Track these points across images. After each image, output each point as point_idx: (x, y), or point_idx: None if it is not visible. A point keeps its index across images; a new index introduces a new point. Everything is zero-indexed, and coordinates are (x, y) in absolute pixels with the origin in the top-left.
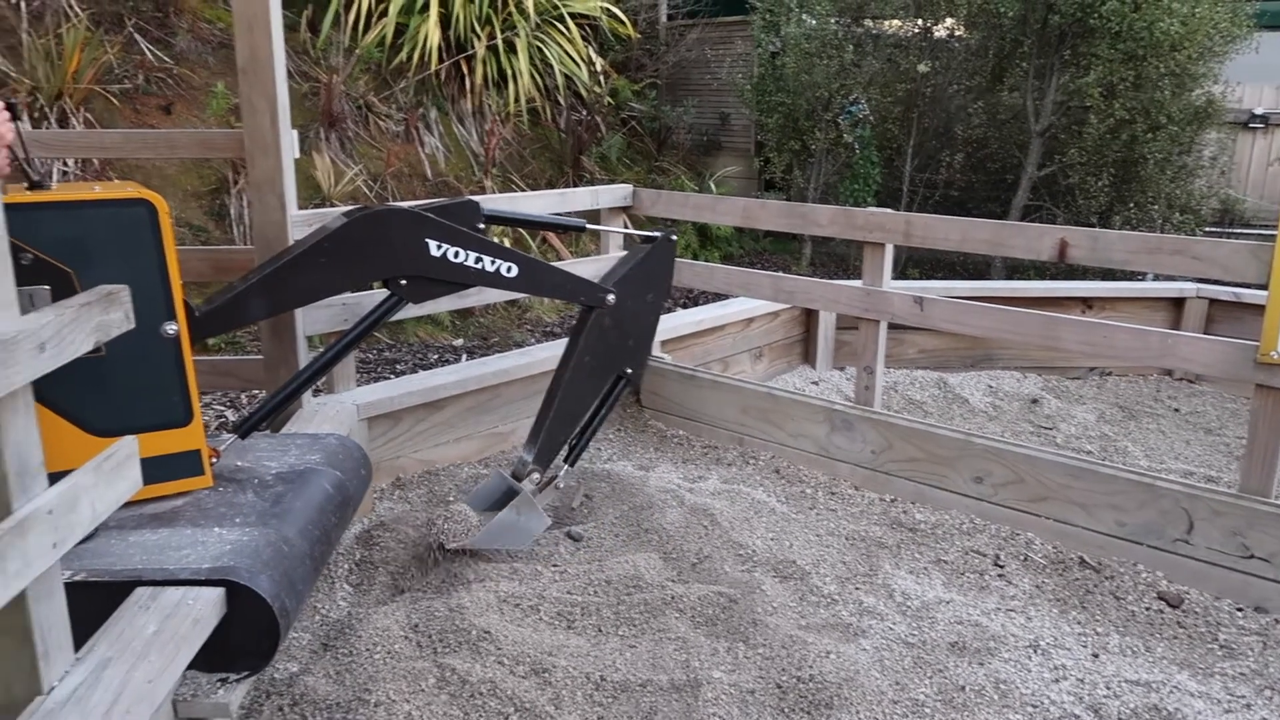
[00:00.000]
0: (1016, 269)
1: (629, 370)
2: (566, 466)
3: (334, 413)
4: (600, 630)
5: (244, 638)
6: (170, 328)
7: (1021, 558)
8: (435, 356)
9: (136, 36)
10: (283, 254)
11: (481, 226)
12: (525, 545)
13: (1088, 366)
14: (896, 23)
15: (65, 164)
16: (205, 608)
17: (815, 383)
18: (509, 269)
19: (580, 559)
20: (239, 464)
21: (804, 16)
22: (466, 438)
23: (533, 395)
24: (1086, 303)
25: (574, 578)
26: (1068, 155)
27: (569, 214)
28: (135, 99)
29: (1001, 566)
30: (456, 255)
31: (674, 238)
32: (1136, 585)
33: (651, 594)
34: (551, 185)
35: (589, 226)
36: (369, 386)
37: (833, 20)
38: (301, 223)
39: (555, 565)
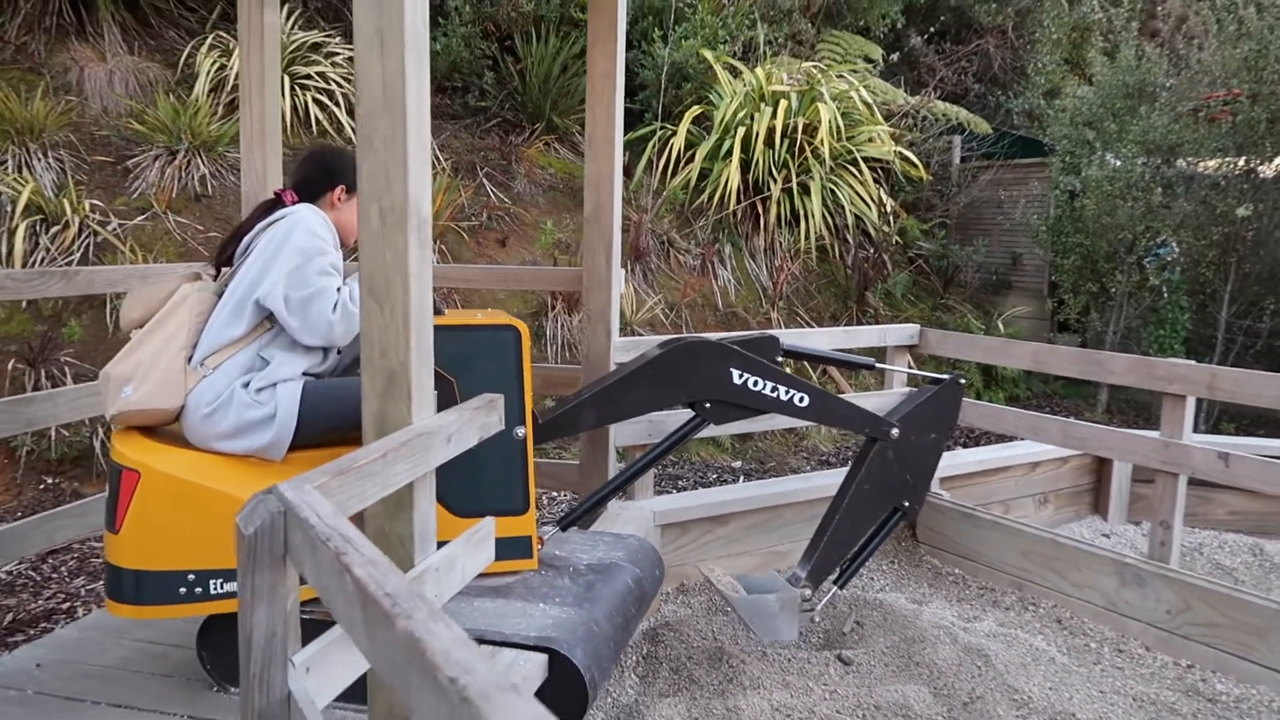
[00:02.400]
0: None
1: (906, 504)
2: (836, 588)
3: (633, 516)
4: None
5: (556, 702)
6: (520, 431)
7: None
8: (715, 476)
9: (485, 181)
10: (608, 376)
11: (779, 360)
12: (765, 637)
13: None
14: (1214, 163)
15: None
16: (533, 669)
17: (1106, 535)
18: (801, 399)
19: (850, 682)
20: (557, 553)
21: (1108, 157)
22: (747, 553)
23: (811, 519)
24: None
25: (843, 699)
26: None
27: (856, 350)
28: (479, 233)
29: None
30: (756, 384)
31: (962, 381)
32: None
33: None
34: (835, 319)
35: (878, 365)
36: (663, 497)
37: (1140, 161)
38: (621, 348)
39: (826, 684)
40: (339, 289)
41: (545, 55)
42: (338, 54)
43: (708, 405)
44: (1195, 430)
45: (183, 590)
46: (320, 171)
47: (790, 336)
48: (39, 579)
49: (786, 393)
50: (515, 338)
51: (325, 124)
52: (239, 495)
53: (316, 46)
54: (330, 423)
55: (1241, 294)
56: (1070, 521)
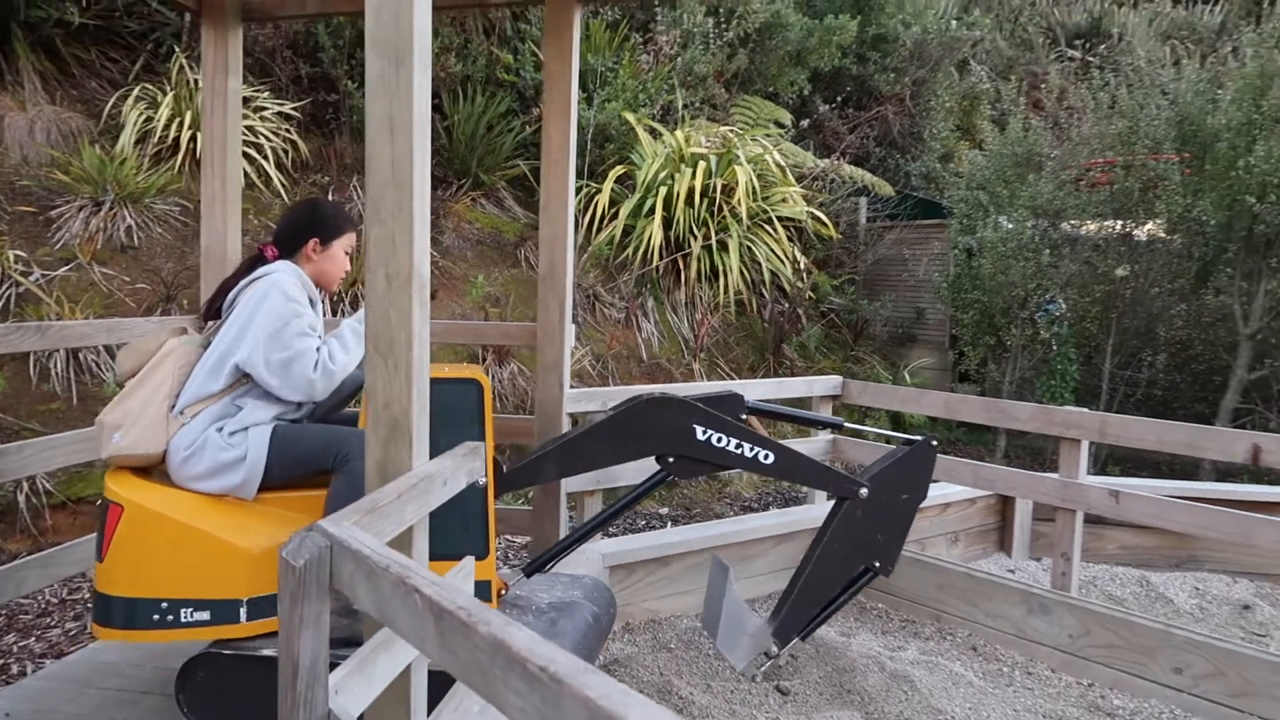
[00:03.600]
0: (1229, 472)
1: (877, 563)
2: (797, 639)
3: (585, 559)
4: None
5: None
6: (482, 480)
7: None
8: (644, 522)
9: None
10: (572, 430)
11: (744, 416)
12: (721, 645)
13: None
14: (1094, 226)
15: None
16: None
17: (1011, 570)
18: (766, 456)
19: (789, 711)
20: (519, 593)
21: (1001, 219)
22: (688, 592)
23: (748, 559)
24: None
25: None
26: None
27: (784, 400)
28: None
29: None
30: (720, 440)
31: (935, 442)
32: None
33: None
34: (754, 370)
35: (846, 425)
36: (610, 540)
37: (1029, 224)
38: (573, 399)
39: (768, 713)
40: (318, 349)
41: (472, 114)
42: (266, 108)
43: (671, 460)
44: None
45: (155, 617)
46: (296, 226)
47: (734, 389)
48: None
49: (751, 450)
50: (478, 390)
51: (253, 177)
52: (210, 531)
53: (245, 101)
54: (297, 465)
55: (1122, 347)
56: (979, 558)
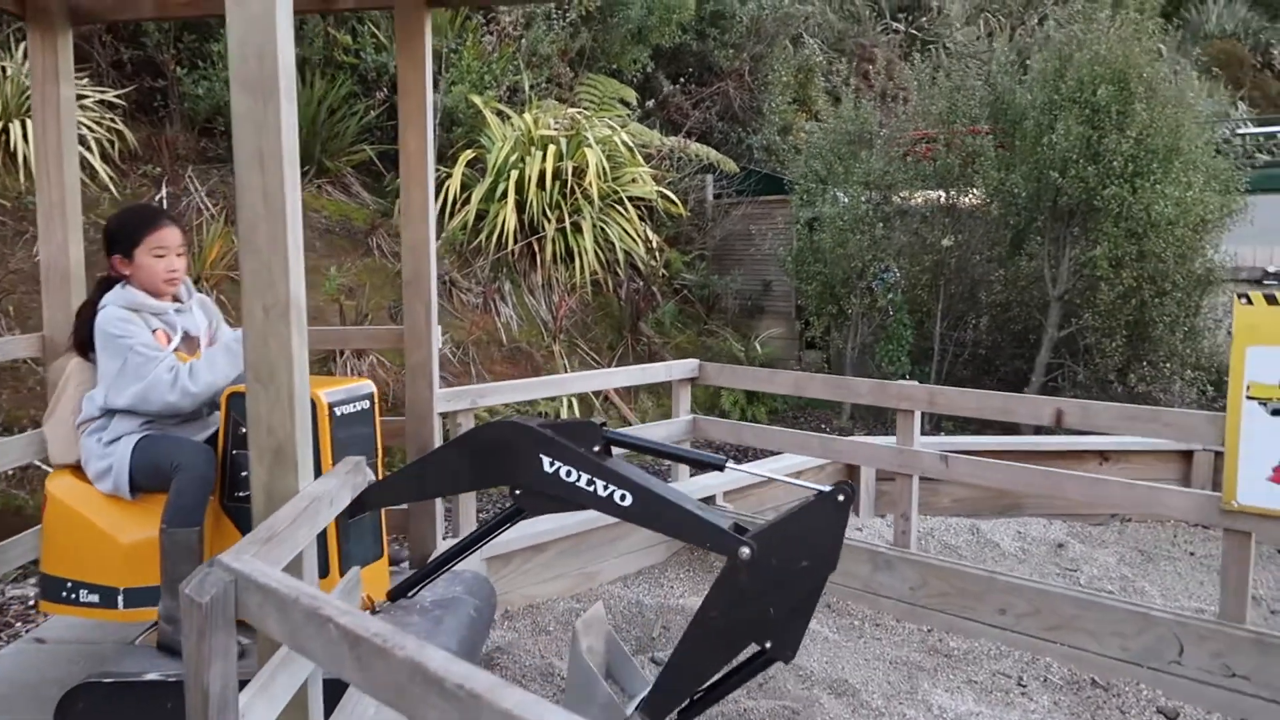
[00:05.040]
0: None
1: (768, 644)
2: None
3: None
4: None
5: None
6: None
7: (1041, 679)
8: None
9: None
10: (426, 455)
11: (596, 449)
12: (569, 706)
13: (1109, 514)
14: (920, 199)
15: None
16: None
17: (859, 529)
18: (623, 497)
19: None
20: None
21: (837, 194)
22: (561, 576)
23: (614, 540)
24: (1104, 455)
25: None
26: (1083, 319)
27: (642, 385)
28: None
29: (1024, 686)
30: (569, 474)
31: (842, 497)
32: (1139, 702)
33: (726, 707)
34: (613, 349)
35: (730, 466)
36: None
37: (863, 200)
38: (444, 398)
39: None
40: (171, 367)
41: (312, 98)
42: (86, 97)
43: (518, 492)
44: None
45: (64, 594)
46: (105, 247)
47: (586, 380)
48: None
49: (605, 488)
50: (370, 396)
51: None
52: (95, 521)
53: None
54: (154, 472)
55: (950, 311)
56: None
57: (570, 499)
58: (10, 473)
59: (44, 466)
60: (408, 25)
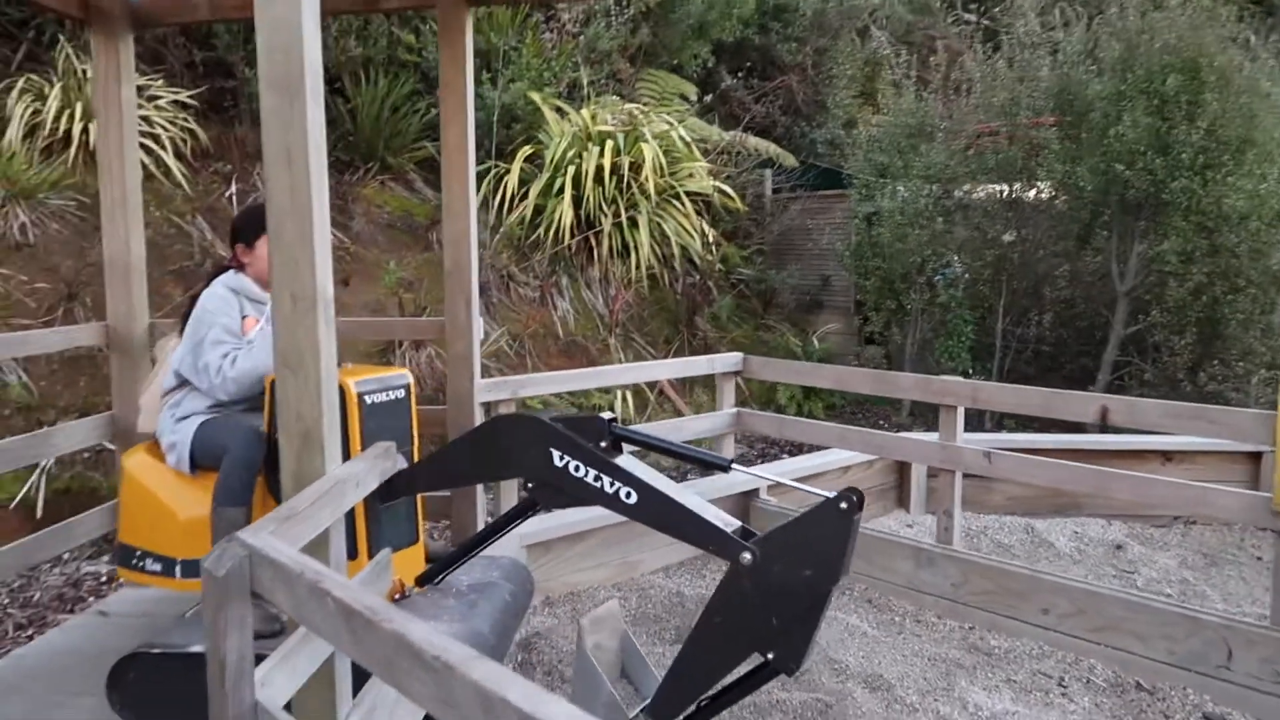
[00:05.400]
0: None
1: (770, 655)
2: None
3: (502, 540)
4: None
5: None
6: None
7: (1084, 680)
8: None
9: None
10: (444, 446)
11: (605, 445)
12: (575, 700)
13: (1172, 515)
14: (982, 193)
15: None
16: None
17: (909, 525)
18: (628, 494)
19: None
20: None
21: (898, 188)
22: (603, 565)
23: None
24: (1167, 455)
25: None
26: (1151, 315)
27: (689, 378)
28: None
29: (1065, 687)
30: (577, 469)
31: (845, 505)
32: (1184, 706)
33: (759, 698)
34: (669, 343)
35: (734, 467)
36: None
37: (923, 194)
38: (485, 389)
39: None
40: (226, 354)
41: (376, 96)
42: (160, 97)
43: (530, 485)
44: (982, 429)
45: (134, 561)
46: (230, 236)
47: (625, 372)
48: None
49: (611, 485)
50: (406, 387)
51: (152, 168)
52: (159, 495)
53: (138, 90)
54: (212, 452)
55: (1013, 307)
56: (879, 516)
57: (577, 494)
58: (85, 455)
59: (111, 448)
60: (449, 23)
